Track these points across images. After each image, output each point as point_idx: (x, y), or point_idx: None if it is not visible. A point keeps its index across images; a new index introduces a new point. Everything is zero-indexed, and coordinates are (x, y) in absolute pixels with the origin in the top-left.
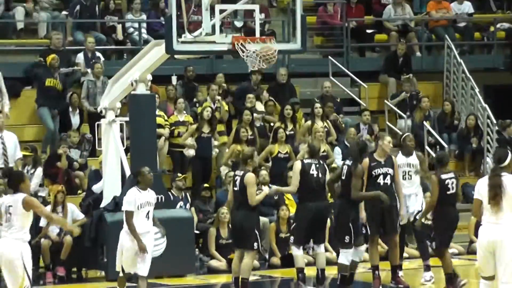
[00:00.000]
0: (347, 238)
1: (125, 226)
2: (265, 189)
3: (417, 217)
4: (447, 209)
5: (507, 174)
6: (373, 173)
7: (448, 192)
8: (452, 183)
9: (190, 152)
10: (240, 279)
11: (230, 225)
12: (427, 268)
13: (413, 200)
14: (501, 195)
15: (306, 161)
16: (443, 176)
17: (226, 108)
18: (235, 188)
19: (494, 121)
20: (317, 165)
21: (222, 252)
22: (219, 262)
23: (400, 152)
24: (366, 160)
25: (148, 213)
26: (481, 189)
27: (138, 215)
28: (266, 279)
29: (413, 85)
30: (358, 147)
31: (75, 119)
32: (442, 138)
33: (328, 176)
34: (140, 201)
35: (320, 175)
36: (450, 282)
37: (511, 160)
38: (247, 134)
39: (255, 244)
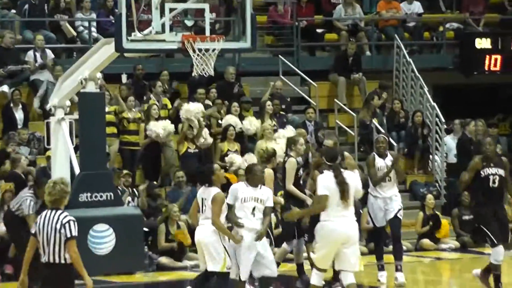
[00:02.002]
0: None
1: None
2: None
3: (398, 215)
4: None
5: (345, 171)
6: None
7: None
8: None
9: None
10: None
11: None
12: (382, 268)
13: (394, 200)
14: (348, 190)
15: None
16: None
17: (170, 106)
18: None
19: (443, 120)
20: None
21: (171, 250)
22: (168, 259)
23: (375, 154)
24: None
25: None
26: (329, 184)
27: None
28: None
29: (363, 84)
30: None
31: (19, 115)
32: (391, 136)
33: None
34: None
35: None
36: None
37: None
38: (192, 132)
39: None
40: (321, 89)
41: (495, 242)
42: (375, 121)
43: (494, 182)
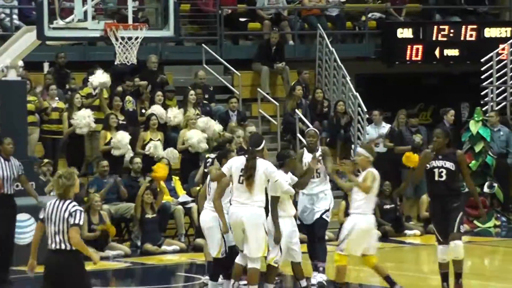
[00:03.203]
0: None
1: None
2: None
3: (324, 216)
4: None
5: (260, 158)
6: None
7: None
8: None
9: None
10: None
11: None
12: (316, 267)
13: (322, 199)
14: (254, 177)
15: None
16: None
17: (106, 95)
18: None
19: (365, 109)
20: None
21: (93, 239)
22: (91, 249)
23: (305, 149)
24: None
25: None
26: (234, 165)
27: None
28: (138, 266)
29: (286, 74)
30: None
31: None
32: (313, 125)
33: None
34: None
35: None
36: None
37: (265, 145)
38: (117, 120)
39: None
40: (244, 78)
41: (439, 239)
42: (298, 111)
43: (440, 175)
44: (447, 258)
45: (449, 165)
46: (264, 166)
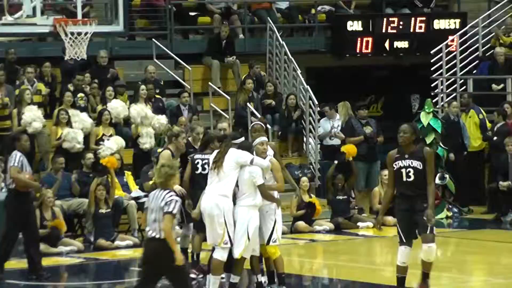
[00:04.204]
0: None
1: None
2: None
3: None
4: (194, 191)
5: (233, 148)
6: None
7: (196, 172)
8: (205, 163)
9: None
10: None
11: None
12: None
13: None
14: (219, 165)
15: None
16: (195, 156)
17: (45, 91)
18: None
19: (316, 102)
20: None
21: (46, 235)
22: (43, 245)
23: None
24: None
25: None
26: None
27: None
28: (91, 262)
29: (237, 68)
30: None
31: None
32: (265, 119)
33: None
34: None
35: None
36: None
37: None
38: (67, 116)
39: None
40: (195, 73)
41: (402, 240)
42: (250, 105)
43: (408, 176)
44: (407, 262)
45: (416, 164)
46: (236, 155)
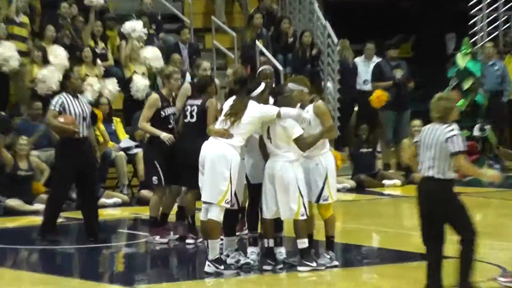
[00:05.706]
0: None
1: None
2: None
3: None
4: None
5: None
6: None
7: (185, 120)
8: (193, 110)
9: None
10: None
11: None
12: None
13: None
14: (240, 119)
15: None
16: (187, 101)
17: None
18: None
19: (336, 40)
20: None
21: (20, 186)
22: (17, 202)
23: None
24: None
25: None
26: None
27: None
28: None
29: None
30: None
31: None
32: (277, 59)
33: None
34: None
35: None
36: None
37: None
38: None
39: None
40: (196, 5)
41: None
42: (259, 42)
43: None
44: None
45: None
46: (257, 109)
